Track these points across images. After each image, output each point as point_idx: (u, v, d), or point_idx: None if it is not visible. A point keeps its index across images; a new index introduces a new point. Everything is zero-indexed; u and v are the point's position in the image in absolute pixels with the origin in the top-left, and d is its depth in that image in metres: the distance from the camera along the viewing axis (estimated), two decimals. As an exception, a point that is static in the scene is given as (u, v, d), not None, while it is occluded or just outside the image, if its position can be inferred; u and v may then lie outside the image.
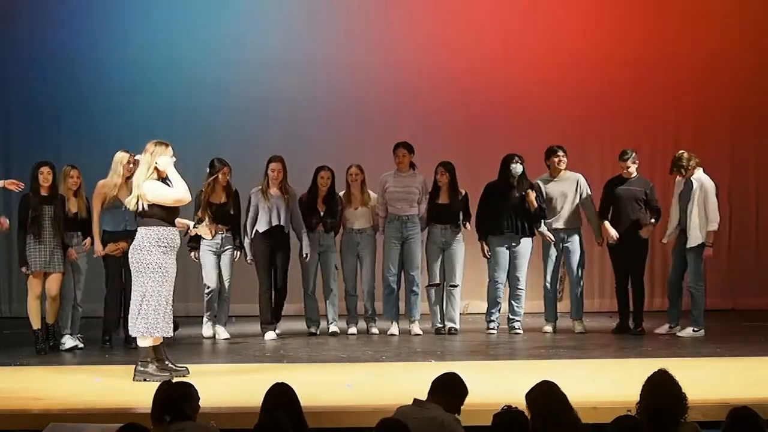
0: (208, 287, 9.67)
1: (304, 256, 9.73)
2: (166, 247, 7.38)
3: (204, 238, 9.41)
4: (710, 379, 7.29)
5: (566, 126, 11.72)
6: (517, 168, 9.83)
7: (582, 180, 10.06)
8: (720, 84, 12.12)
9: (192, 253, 9.70)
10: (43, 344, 8.84)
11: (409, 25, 12.07)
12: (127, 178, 8.87)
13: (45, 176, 8.88)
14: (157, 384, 6.67)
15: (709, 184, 9.70)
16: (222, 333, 9.70)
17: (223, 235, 9.64)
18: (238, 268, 9.88)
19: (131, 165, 9.02)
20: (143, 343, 7.44)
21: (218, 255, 9.68)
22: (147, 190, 7.36)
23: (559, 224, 9.99)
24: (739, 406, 4.62)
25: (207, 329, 9.73)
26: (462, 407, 5.24)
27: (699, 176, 9.72)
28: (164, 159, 7.45)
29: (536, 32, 12.05)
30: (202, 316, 9.85)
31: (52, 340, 8.93)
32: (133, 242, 7.46)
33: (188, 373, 7.44)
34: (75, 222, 9.08)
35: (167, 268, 7.40)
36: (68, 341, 9.06)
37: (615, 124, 12.04)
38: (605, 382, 7.20)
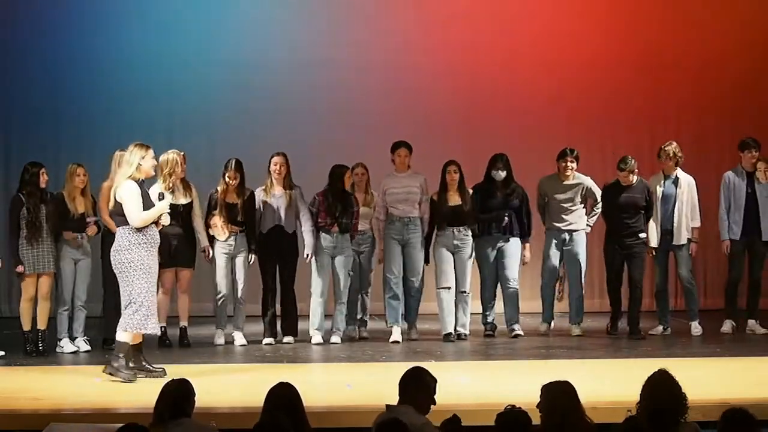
0: (220, 293, 9.42)
1: (305, 257, 9.45)
2: (146, 244, 7.36)
3: (218, 239, 9.35)
4: (710, 379, 7.29)
5: (567, 126, 11.74)
6: (498, 174, 9.67)
7: (589, 183, 9.90)
8: (721, 84, 12.12)
9: (206, 250, 9.38)
10: (34, 346, 8.81)
11: (410, 24, 12.08)
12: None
13: (45, 177, 8.87)
14: (121, 381, 6.79)
15: (693, 180, 9.82)
16: (239, 339, 9.40)
17: (237, 237, 9.39)
18: (251, 270, 9.62)
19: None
20: (123, 337, 7.40)
21: (232, 258, 9.42)
22: (122, 189, 7.36)
23: (561, 226, 9.85)
24: (731, 407, 4.60)
25: (219, 338, 9.47)
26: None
27: (682, 173, 9.79)
28: (149, 162, 7.44)
29: (538, 33, 12.06)
30: (212, 318, 9.67)
31: (43, 344, 8.85)
32: (114, 243, 7.45)
33: (165, 374, 7.41)
34: (82, 222, 9.03)
35: (150, 265, 7.39)
36: (68, 345, 9.01)
37: (616, 124, 12.05)
38: (605, 382, 7.19)
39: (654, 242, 9.76)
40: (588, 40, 12.05)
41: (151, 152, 7.48)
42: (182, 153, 9.27)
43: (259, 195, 9.48)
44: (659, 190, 9.76)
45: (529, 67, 12.01)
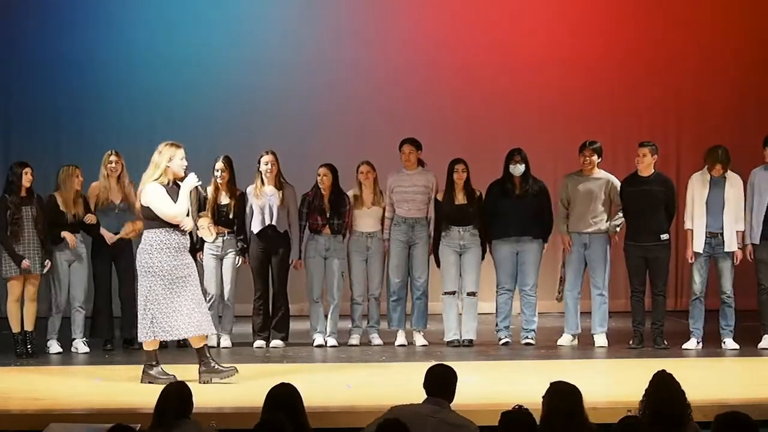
0: (209, 294, 9.24)
1: (291, 262, 9.30)
2: (169, 249, 7.26)
3: (206, 241, 9.18)
4: (710, 379, 7.30)
5: (567, 124, 11.73)
6: (517, 169, 9.22)
7: (613, 182, 9.33)
8: (721, 83, 12.12)
9: (197, 254, 9.23)
10: (23, 348, 8.74)
11: (411, 23, 12.08)
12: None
13: (29, 177, 8.73)
14: (162, 386, 6.72)
15: (740, 180, 9.09)
16: (225, 341, 9.30)
17: (225, 238, 9.27)
18: (241, 270, 9.53)
19: (113, 165, 9.10)
20: (147, 346, 7.38)
21: (220, 259, 9.32)
22: (146, 192, 7.30)
23: (581, 227, 9.23)
24: (724, 411, 4.57)
25: (209, 340, 9.24)
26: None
27: (731, 173, 9.05)
28: (177, 162, 7.36)
29: (538, 32, 12.06)
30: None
31: (31, 345, 8.77)
32: (140, 245, 7.40)
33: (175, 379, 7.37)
34: (81, 223, 9.01)
35: (172, 270, 7.25)
36: (54, 346, 8.97)
37: (616, 122, 12.04)
38: (605, 382, 7.20)
39: (698, 248, 8.98)
40: (590, 40, 12.04)
41: (180, 152, 7.38)
42: None
43: (250, 194, 9.30)
44: (705, 191, 8.98)
45: (530, 67, 12.00)
